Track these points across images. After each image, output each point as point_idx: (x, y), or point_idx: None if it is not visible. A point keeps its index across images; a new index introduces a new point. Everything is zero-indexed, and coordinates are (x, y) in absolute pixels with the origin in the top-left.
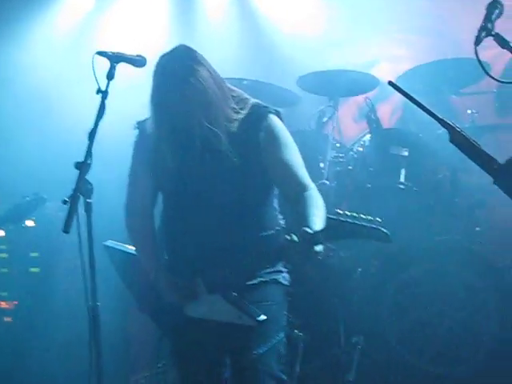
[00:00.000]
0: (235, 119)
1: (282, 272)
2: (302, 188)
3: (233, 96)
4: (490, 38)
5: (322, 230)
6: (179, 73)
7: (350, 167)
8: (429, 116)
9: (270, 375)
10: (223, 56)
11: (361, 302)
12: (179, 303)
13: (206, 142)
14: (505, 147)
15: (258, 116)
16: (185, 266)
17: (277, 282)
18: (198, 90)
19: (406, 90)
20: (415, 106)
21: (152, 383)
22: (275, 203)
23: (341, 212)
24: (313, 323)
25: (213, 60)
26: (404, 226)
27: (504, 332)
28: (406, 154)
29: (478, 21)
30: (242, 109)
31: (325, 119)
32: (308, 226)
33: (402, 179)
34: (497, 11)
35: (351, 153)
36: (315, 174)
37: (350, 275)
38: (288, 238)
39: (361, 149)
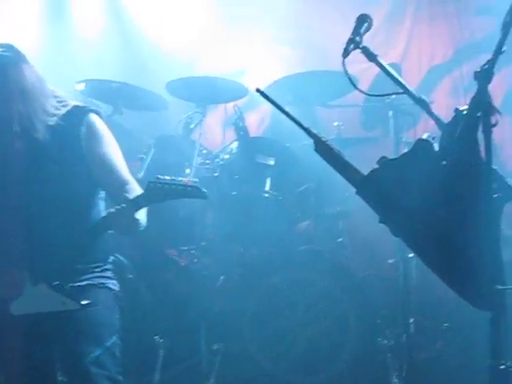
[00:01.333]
0: (55, 114)
1: (111, 278)
2: (122, 183)
3: (55, 96)
4: (360, 53)
5: (141, 195)
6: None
7: (215, 174)
8: (296, 126)
9: (107, 377)
10: (94, 57)
11: (223, 309)
12: (4, 300)
13: (24, 131)
14: (369, 160)
15: (78, 113)
16: (10, 261)
17: (105, 286)
18: (18, 80)
19: (273, 99)
20: (283, 116)
21: None
22: (102, 205)
23: (160, 177)
24: (174, 330)
25: (83, 61)
26: (268, 235)
27: (362, 343)
28: (272, 163)
29: (348, 34)
30: (63, 106)
31: (192, 125)
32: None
33: (267, 188)
34: (366, 25)
35: (217, 160)
36: None
37: (213, 282)
38: (112, 209)
39: (227, 156)
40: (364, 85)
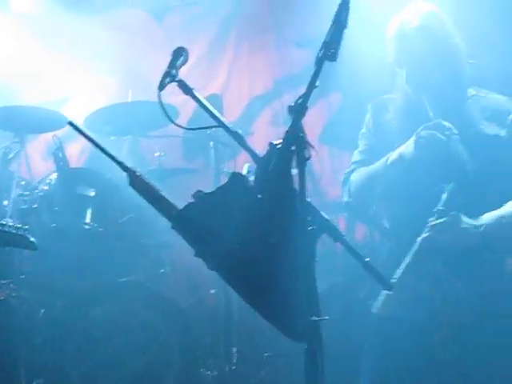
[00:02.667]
0: None
1: None
2: None
3: None
4: None
5: None
6: None
7: (34, 206)
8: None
9: None
10: None
11: (44, 343)
12: None
13: None
14: (190, 190)
15: None
16: None
17: None
18: None
19: (84, 131)
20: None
21: None
22: None
23: None
24: None
25: None
26: (88, 267)
27: (185, 374)
28: (93, 194)
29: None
30: None
31: (11, 156)
32: None
33: (88, 219)
34: (182, 58)
35: (36, 191)
36: None
37: (32, 316)
38: None
39: (46, 187)
40: (186, 115)
